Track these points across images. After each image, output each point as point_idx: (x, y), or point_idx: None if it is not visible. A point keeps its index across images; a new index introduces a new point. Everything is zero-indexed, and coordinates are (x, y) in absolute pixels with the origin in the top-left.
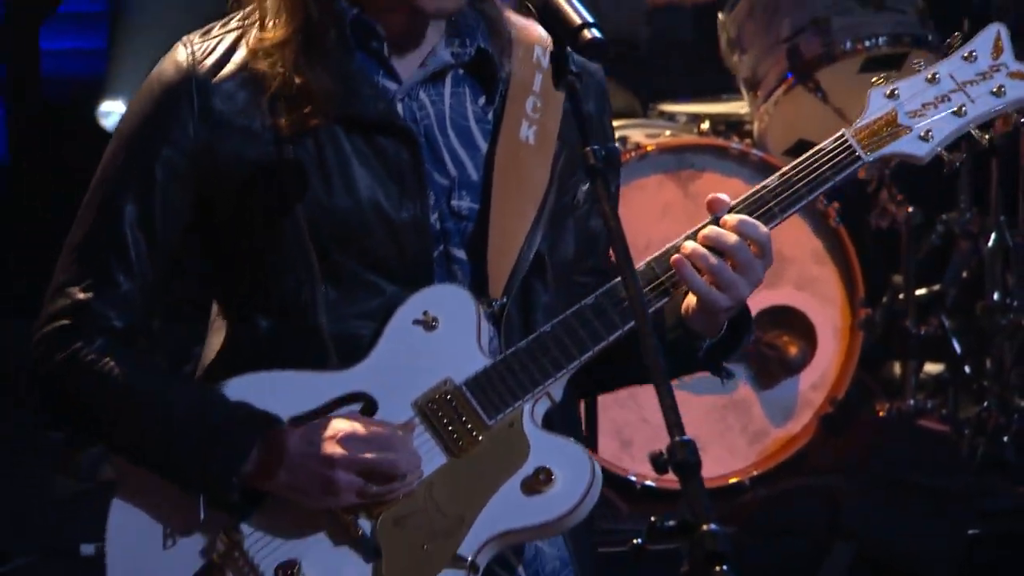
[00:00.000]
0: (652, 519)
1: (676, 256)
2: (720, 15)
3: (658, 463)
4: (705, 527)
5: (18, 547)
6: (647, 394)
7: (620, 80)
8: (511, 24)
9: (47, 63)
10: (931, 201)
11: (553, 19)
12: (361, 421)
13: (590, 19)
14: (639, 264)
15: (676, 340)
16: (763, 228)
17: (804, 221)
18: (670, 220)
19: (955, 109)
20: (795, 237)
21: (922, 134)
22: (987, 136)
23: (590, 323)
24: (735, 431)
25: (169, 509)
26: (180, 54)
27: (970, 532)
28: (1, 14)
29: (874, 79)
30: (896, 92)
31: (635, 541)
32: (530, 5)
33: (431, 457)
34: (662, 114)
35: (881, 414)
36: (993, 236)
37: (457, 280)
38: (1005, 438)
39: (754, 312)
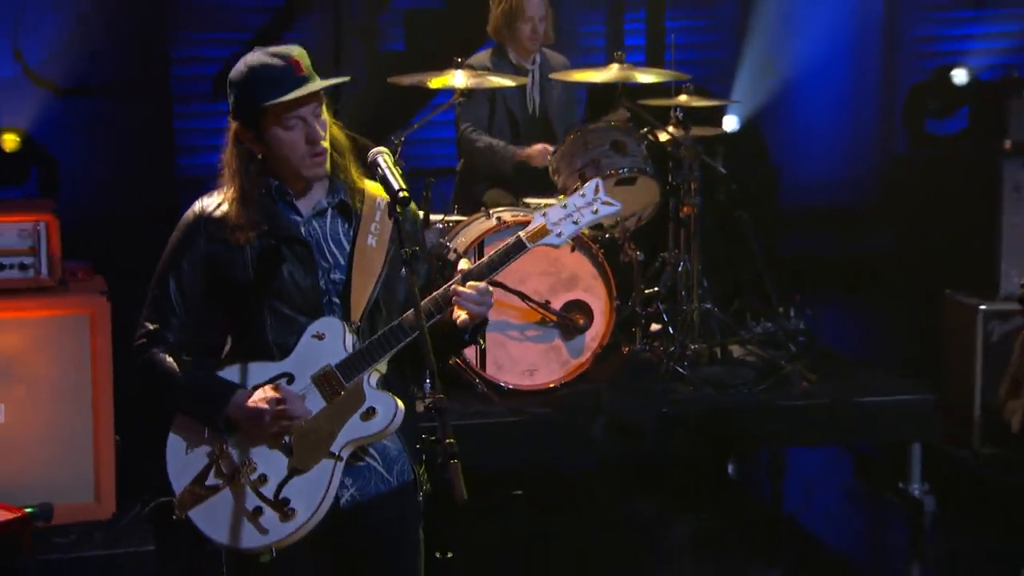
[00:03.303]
0: (423, 436)
1: (453, 289)
2: (550, 156)
3: (429, 408)
4: (448, 440)
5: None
6: (512, 344)
7: (502, 187)
8: (363, 185)
9: None
10: (656, 247)
11: (385, 184)
12: (278, 389)
13: (404, 186)
14: (433, 294)
15: (451, 333)
16: (484, 285)
17: (585, 258)
18: (521, 259)
19: (574, 221)
20: (582, 265)
21: (557, 234)
22: (600, 234)
23: (396, 332)
24: (553, 361)
25: (190, 432)
26: (196, 207)
27: (663, 410)
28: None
29: (538, 204)
30: (546, 213)
31: (417, 446)
32: (375, 176)
33: (317, 404)
34: (524, 204)
35: (625, 352)
36: (682, 264)
37: (335, 314)
38: (685, 363)
39: (562, 303)
